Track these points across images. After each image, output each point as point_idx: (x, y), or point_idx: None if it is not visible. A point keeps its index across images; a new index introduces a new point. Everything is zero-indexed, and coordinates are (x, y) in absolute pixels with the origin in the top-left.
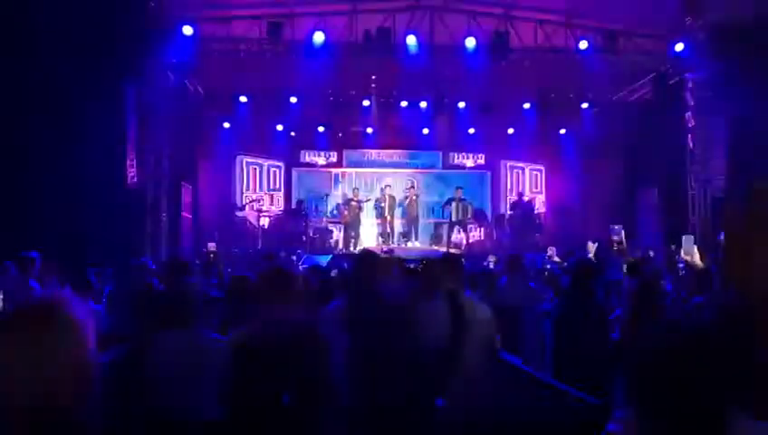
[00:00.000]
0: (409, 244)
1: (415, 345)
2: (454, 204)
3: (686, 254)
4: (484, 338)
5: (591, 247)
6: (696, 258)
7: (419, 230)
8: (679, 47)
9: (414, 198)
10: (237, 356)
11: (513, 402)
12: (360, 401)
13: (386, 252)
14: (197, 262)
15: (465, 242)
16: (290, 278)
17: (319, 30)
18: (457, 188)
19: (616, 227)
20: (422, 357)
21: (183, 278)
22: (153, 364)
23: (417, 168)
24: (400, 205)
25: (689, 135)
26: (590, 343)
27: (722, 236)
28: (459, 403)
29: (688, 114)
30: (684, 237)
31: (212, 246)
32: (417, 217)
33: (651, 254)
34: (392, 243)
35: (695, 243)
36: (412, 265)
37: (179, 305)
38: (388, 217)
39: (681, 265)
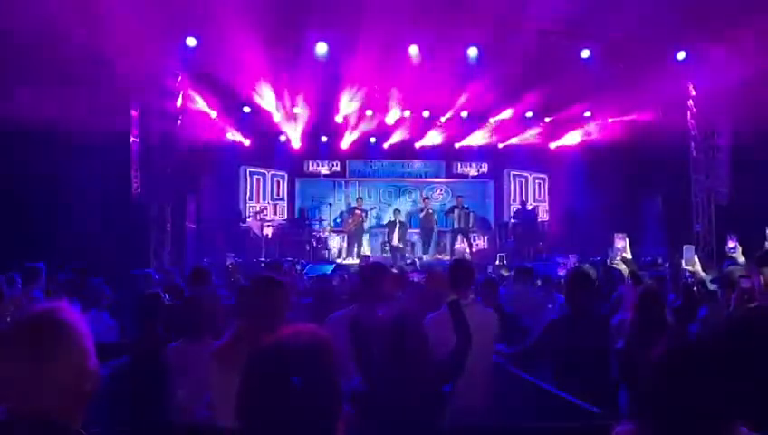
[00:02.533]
0: (425, 256)
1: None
2: (456, 212)
3: (687, 264)
4: (486, 343)
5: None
6: (698, 267)
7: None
8: (681, 55)
9: (430, 211)
10: (249, 365)
11: (514, 410)
12: (369, 409)
13: (409, 265)
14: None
15: (467, 251)
16: (281, 287)
17: (321, 40)
18: (458, 196)
19: (619, 236)
20: (431, 367)
21: (204, 287)
22: (165, 372)
23: (419, 177)
24: (415, 216)
25: (692, 142)
26: (588, 351)
27: (731, 243)
28: (460, 410)
29: (691, 122)
30: (685, 247)
31: (230, 258)
32: (432, 229)
33: (659, 260)
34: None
35: (696, 252)
36: (416, 278)
37: (192, 315)
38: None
39: (688, 277)
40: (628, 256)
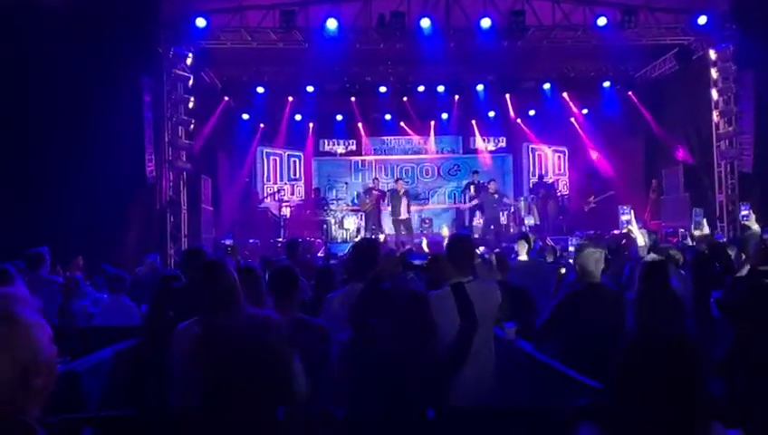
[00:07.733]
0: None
1: (429, 339)
2: (473, 188)
3: (696, 228)
4: (487, 319)
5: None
6: (707, 231)
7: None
8: (702, 20)
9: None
10: (200, 347)
11: (519, 387)
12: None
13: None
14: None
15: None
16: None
17: (332, 17)
18: (474, 172)
19: (625, 208)
20: (433, 352)
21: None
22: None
23: (436, 153)
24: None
25: (714, 110)
26: (594, 326)
27: (744, 211)
28: (466, 389)
29: (713, 89)
30: (694, 210)
31: (229, 241)
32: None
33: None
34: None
35: (722, 221)
36: (417, 262)
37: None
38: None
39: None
40: (634, 228)
